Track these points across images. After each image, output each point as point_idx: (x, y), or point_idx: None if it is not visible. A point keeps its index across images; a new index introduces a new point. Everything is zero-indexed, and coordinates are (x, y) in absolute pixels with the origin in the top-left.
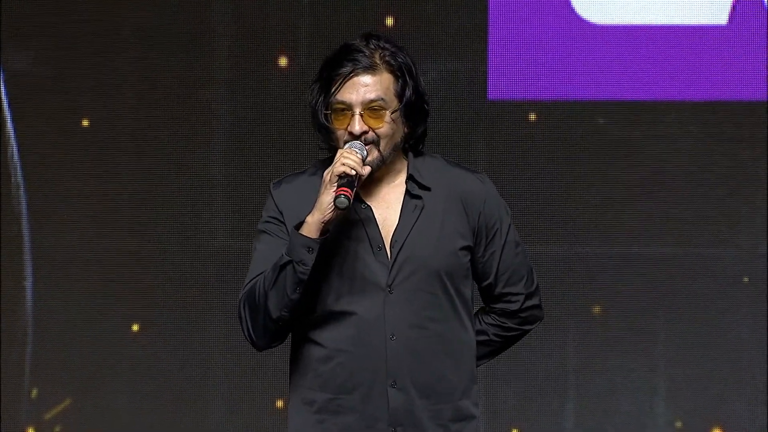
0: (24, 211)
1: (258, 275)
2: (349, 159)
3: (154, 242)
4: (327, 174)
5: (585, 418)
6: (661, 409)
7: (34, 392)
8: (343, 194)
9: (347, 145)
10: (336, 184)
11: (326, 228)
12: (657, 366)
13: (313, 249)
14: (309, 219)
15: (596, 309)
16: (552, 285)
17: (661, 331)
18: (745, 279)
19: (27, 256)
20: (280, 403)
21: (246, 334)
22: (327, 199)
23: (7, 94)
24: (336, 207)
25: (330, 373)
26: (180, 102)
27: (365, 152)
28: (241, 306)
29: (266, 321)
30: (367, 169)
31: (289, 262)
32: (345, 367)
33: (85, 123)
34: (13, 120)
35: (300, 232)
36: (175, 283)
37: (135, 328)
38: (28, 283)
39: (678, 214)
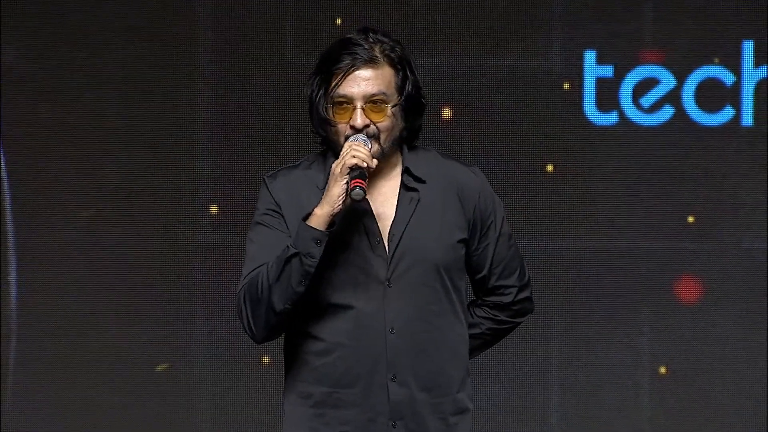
0: (8, 206)
1: (257, 267)
2: (360, 151)
3: (140, 237)
4: (336, 166)
5: (569, 412)
6: (645, 402)
7: (21, 390)
8: (359, 186)
9: (351, 139)
10: (348, 176)
11: (333, 220)
12: (653, 362)
13: (321, 241)
14: (317, 211)
15: (581, 304)
16: (536, 279)
17: (661, 327)
18: (744, 277)
19: (11, 251)
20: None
21: (246, 326)
22: (337, 191)
23: None
24: (352, 199)
25: (327, 366)
26: (166, 99)
27: (370, 145)
28: (242, 299)
29: (269, 314)
30: (375, 162)
31: (296, 254)
32: (344, 361)
33: (72, 120)
34: (0, 116)
35: (308, 224)
36: (162, 277)
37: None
38: (12, 278)
39: (674, 210)
